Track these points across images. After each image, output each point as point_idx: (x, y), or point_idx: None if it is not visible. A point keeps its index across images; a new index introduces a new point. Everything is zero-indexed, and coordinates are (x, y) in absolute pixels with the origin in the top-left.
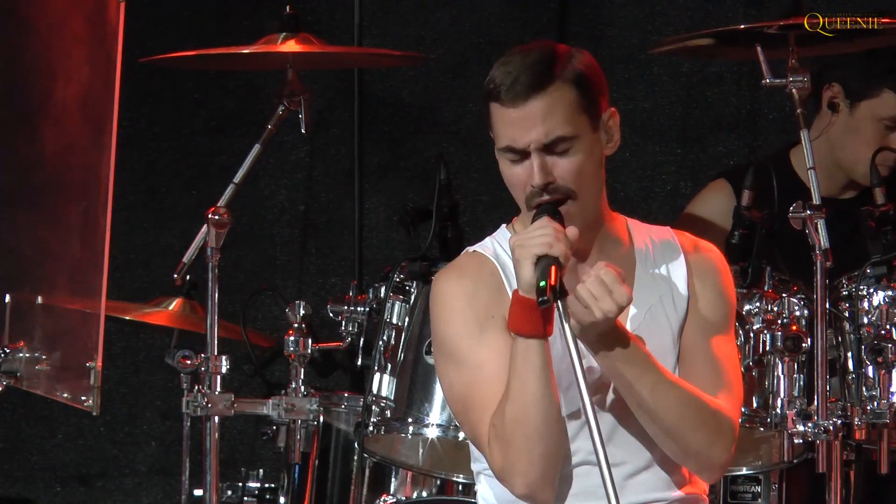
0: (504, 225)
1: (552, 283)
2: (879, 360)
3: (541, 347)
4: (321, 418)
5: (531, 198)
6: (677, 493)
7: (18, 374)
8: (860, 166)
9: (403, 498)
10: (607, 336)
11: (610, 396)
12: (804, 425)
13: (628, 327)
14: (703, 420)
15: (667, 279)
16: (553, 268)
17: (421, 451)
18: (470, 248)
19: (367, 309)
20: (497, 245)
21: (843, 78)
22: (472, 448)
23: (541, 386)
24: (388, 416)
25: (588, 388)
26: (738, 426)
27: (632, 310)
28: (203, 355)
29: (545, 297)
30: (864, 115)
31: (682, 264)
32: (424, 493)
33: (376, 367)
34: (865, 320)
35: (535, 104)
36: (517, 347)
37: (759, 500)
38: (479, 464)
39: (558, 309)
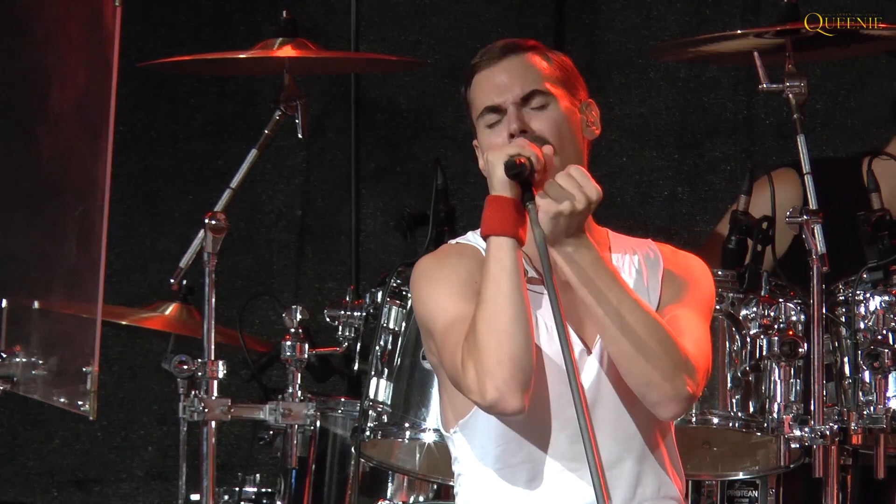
0: None
1: (521, 160)
2: (876, 364)
3: (513, 248)
4: (318, 423)
5: None
6: (654, 491)
7: (15, 379)
8: None
9: (400, 503)
10: (578, 239)
11: (589, 384)
12: (801, 430)
13: None
14: (666, 348)
15: (641, 276)
16: (524, 158)
17: (417, 455)
18: (452, 241)
19: (364, 314)
20: (479, 238)
21: None
22: (453, 449)
23: (511, 286)
24: (385, 420)
25: (560, 372)
26: (703, 378)
27: None
28: (200, 360)
29: (512, 162)
30: None
31: (659, 264)
32: (421, 498)
33: (373, 372)
34: (862, 325)
35: (511, 61)
36: (489, 250)
37: None
38: (459, 465)
39: (530, 213)
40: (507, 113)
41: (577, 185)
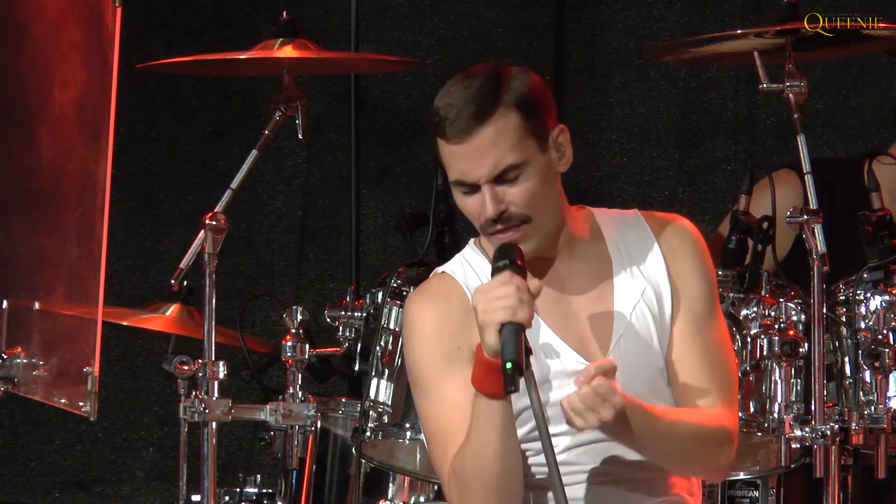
0: (472, 240)
1: (520, 362)
2: (876, 364)
3: (503, 406)
4: (318, 424)
5: (486, 227)
6: (662, 499)
7: (16, 380)
8: None
9: (401, 503)
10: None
11: None
12: (801, 430)
13: (614, 331)
14: (705, 445)
15: (645, 271)
16: (520, 344)
17: (418, 456)
18: (439, 269)
19: (365, 314)
20: (466, 265)
21: None
22: None
23: (501, 442)
24: (386, 421)
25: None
26: (738, 423)
27: (616, 313)
28: (200, 361)
29: (513, 389)
30: None
31: (657, 251)
32: (422, 499)
33: (373, 373)
34: (862, 325)
35: (480, 137)
36: (479, 404)
37: None
38: None
39: (526, 378)
40: (482, 191)
41: (601, 402)
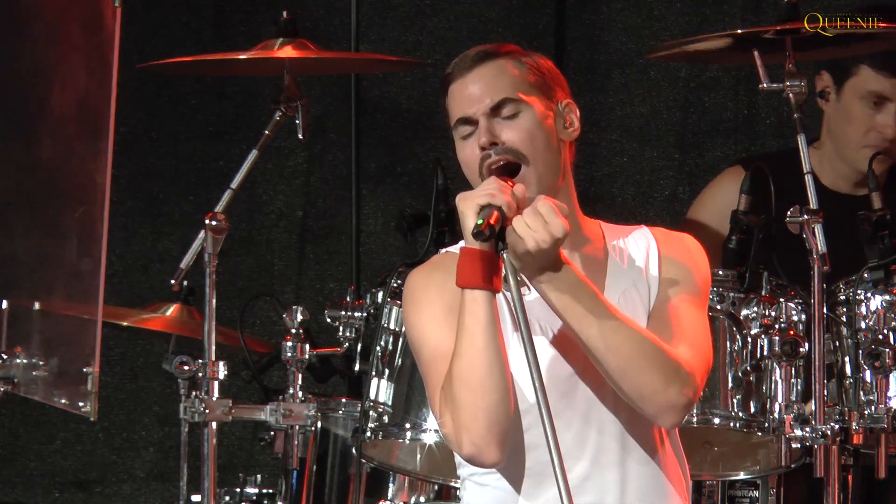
0: None
1: (491, 221)
2: (877, 364)
3: (487, 301)
4: (319, 424)
5: (482, 162)
6: (651, 484)
7: (16, 380)
8: (851, 151)
9: (401, 503)
10: (551, 269)
11: (584, 384)
12: (802, 430)
13: None
14: (656, 362)
15: (639, 266)
16: (494, 212)
17: (418, 456)
18: (443, 250)
19: (365, 314)
20: None
21: (828, 64)
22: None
23: (486, 339)
24: (386, 421)
25: (558, 379)
26: (702, 379)
27: (606, 296)
28: (201, 361)
29: (478, 230)
30: (849, 96)
31: (655, 251)
32: (422, 499)
33: (374, 373)
34: (863, 325)
35: (482, 69)
36: (464, 301)
37: None
38: (464, 469)
39: (505, 263)
40: (479, 124)
41: (542, 222)
